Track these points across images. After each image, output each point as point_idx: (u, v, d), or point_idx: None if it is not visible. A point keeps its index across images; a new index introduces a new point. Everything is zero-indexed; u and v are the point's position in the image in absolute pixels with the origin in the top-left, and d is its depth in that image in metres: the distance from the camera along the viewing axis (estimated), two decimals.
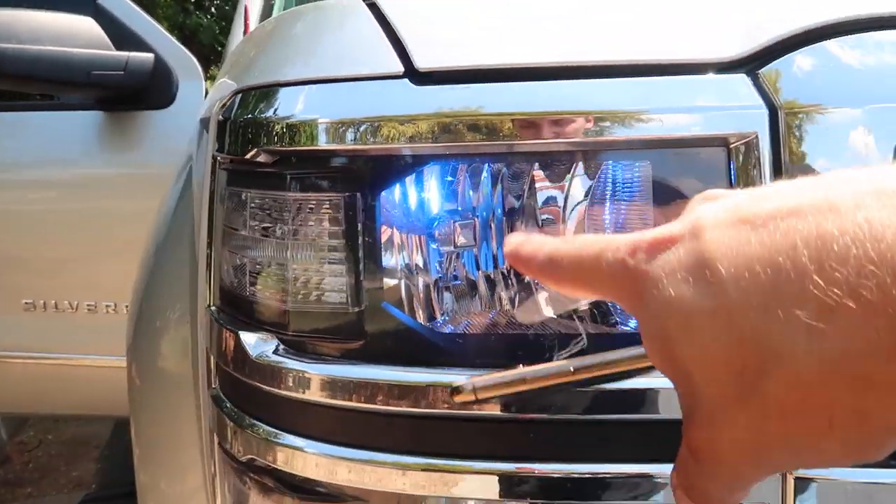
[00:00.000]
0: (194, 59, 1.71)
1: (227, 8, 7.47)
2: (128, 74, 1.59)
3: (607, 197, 0.49)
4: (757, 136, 0.45)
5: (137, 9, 1.71)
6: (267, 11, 1.74)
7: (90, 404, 1.82)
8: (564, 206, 0.49)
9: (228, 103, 0.61)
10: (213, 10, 7.79)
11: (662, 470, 0.46)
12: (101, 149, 1.71)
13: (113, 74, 1.57)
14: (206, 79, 1.79)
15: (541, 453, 0.47)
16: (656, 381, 0.45)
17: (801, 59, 0.47)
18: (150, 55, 1.64)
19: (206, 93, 1.61)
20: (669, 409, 0.45)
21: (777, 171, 0.46)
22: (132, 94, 1.63)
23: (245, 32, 1.65)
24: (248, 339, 0.54)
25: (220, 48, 7.21)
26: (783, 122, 0.45)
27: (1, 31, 1.41)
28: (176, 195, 0.98)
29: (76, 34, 1.52)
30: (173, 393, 0.81)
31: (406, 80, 0.50)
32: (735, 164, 0.46)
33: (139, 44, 1.65)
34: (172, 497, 0.82)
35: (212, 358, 0.62)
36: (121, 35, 1.63)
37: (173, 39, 1.72)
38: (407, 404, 0.48)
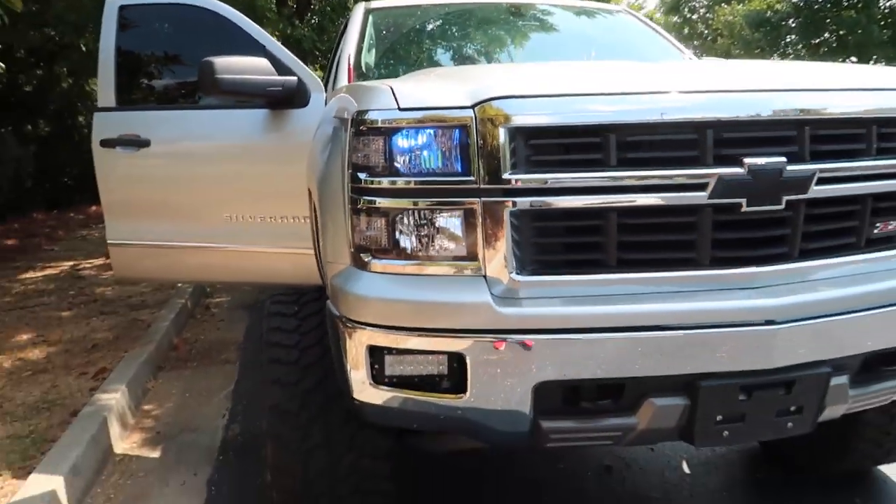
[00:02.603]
0: (318, 79, 2.99)
1: (323, 21, 9.20)
2: (284, 89, 2.87)
3: None
4: (472, 121, 1.58)
5: (287, 51, 3.01)
6: (358, 58, 2.96)
7: (256, 275, 3.17)
8: None
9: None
10: (312, 22, 9.61)
11: None
12: (267, 130, 3.03)
13: (276, 90, 2.85)
14: None
15: None
16: None
17: (489, 106, 1.59)
18: (295, 77, 2.92)
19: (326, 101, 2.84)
20: None
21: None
22: (285, 99, 2.91)
23: (348, 74, 2.85)
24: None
25: (317, 53, 9.22)
26: (477, 123, 1.59)
27: (221, 66, 2.71)
28: (325, 158, 2.12)
29: (258, 67, 2.81)
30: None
31: None
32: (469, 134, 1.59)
33: (288, 71, 2.95)
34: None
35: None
36: (279, 66, 2.92)
37: (306, 67, 3.01)
38: None
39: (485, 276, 1.62)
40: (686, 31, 28.73)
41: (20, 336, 4.76)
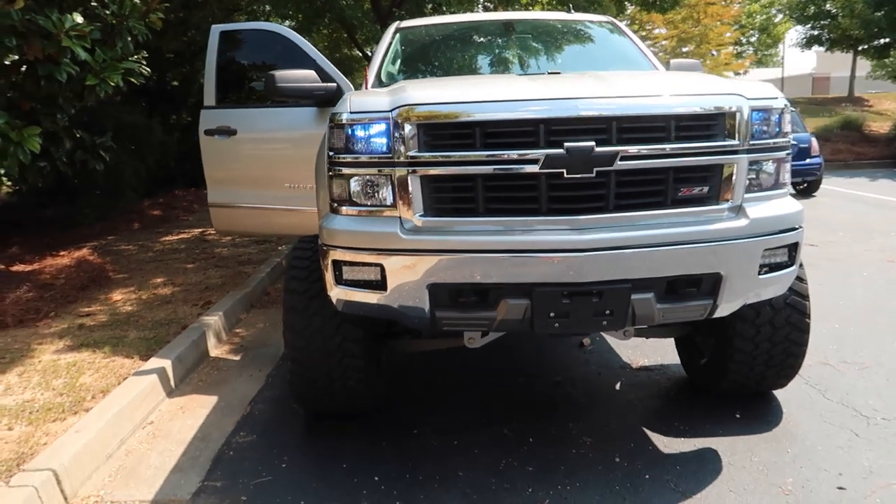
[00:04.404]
0: (351, 85, 4.03)
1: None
2: (326, 93, 3.92)
3: None
4: (390, 120, 2.53)
5: (331, 64, 4.08)
6: (380, 68, 3.96)
7: (304, 229, 4.28)
8: None
9: None
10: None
11: None
12: (315, 123, 4.11)
13: (320, 93, 3.91)
14: None
15: None
16: None
17: (402, 110, 2.54)
18: (335, 84, 3.98)
19: None
20: None
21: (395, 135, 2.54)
22: (327, 100, 3.96)
23: (365, 82, 3.87)
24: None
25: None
26: (394, 121, 2.54)
27: (279, 77, 3.80)
28: (321, 144, 3.18)
29: (307, 77, 3.87)
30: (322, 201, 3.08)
31: None
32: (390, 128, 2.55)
33: (330, 79, 4.01)
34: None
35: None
36: (324, 75, 3.99)
37: (343, 77, 4.06)
38: None
39: (399, 218, 2.57)
40: (811, 9, 27.25)
41: (155, 279, 6.24)
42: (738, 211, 2.61)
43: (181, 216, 10.77)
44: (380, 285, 2.62)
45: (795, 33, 32.55)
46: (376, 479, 2.83)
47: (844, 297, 5.30)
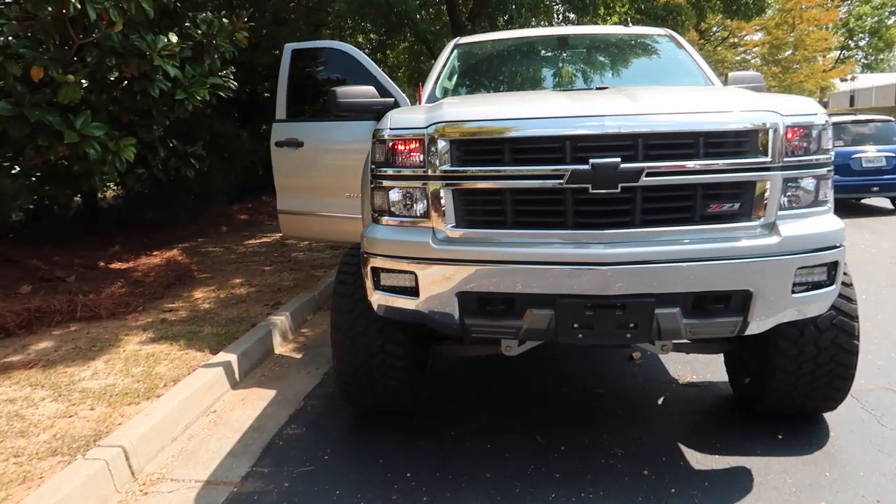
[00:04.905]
0: (407, 100, 4.23)
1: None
2: (384, 108, 4.12)
3: None
4: (426, 136, 2.69)
5: (389, 79, 4.29)
6: (435, 84, 4.13)
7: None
8: None
9: None
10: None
11: None
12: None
13: (380, 108, 4.12)
14: None
15: None
16: None
17: (437, 127, 2.70)
18: (392, 99, 4.19)
19: None
20: None
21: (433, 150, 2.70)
22: (385, 113, 4.18)
23: (419, 97, 4.05)
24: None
25: None
26: (429, 137, 2.69)
27: (340, 93, 4.04)
28: (365, 158, 3.39)
29: (366, 93, 4.10)
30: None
31: None
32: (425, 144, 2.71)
33: (388, 94, 4.22)
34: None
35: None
36: (382, 90, 4.21)
37: (401, 92, 4.26)
38: None
39: (433, 229, 2.73)
40: None
41: (234, 279, 6.68)
42: (771, 228, 2.59)
43: (266, 220, 11.37)
44: (414, 292, 2.77)
45: None
46: (408, 474, 2.98)
47: None
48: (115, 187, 11.45)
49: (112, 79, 5.67)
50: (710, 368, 4.06)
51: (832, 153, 2.75)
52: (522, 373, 4.13)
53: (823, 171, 2.70)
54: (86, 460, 2.97)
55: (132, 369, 4.11)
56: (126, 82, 5.83)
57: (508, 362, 3.93)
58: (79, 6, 4.70)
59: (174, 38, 5.69)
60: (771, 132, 2.57)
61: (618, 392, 3.85)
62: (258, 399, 3.95)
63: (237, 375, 4.22)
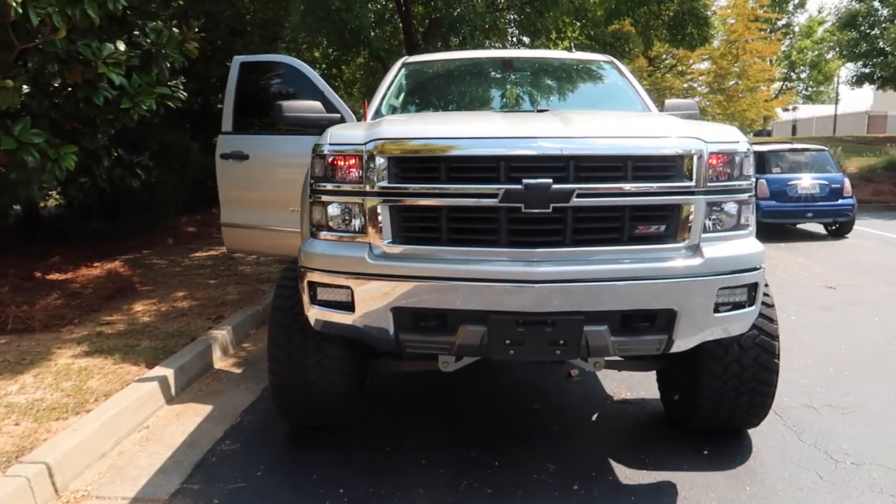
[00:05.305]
0: (354, 116, 4.26)
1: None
2: (330, 122, 4.14)
3: None
4: (365, 153, 2.72)
5: (336, 96, 4.32)
6: (381, 102, 4.18)
7: None
8: None
9: None
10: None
11: None
12: None
13: (325, 123, 4.13)
14: None
15: None
16: None
17: (376, 144, 2.74)
18: (339, 115, 4.21)
19: None
20: None
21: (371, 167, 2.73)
22: None
23: (364, 114, 4.09)
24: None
25: None
26: (367, 154, 2.73)
27: (287, 107, 4.05)
28: (306, 172, 3.42)
29: (313, 107, 4.11)
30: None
31: None
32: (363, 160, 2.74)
33: (335, 110, 4.25)
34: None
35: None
36: (329, 106, 4.24)
37: (347, 108, 4.29)
38: None
39: (369, 244, 2.75)
40: (863, 46, 26.78)
41: (177, 293, 6.55)
42: (695, 250, 2.70)
43: (214, 233, 11.17)
44: (349, 307, 2.78)
45: (847, 71, 31.92)
46: (341, 490, 2.97)
47: (849, 341, 5.24)
48: (57, 196, 11.14)
49: (55, 85, 5.54)
50: (644, 386, 4.17)
51: (753, 179, 2.89)
52: (461, 389, 4.16)
53: (745, 196, 2.83)
54: (6, 477, 2.86)
55: (62, 384, 3.99)
56: (70, 89, 5.70)
57: (448, 378, 3.96)
58: (20, 11, 4.60)
59: (121, 46, 5.59)
60: (695, 158, 2.69)
61: (554, 408, 3.91)
62: (194, 414, 3.88)
63: (173, 390, 4.13)
